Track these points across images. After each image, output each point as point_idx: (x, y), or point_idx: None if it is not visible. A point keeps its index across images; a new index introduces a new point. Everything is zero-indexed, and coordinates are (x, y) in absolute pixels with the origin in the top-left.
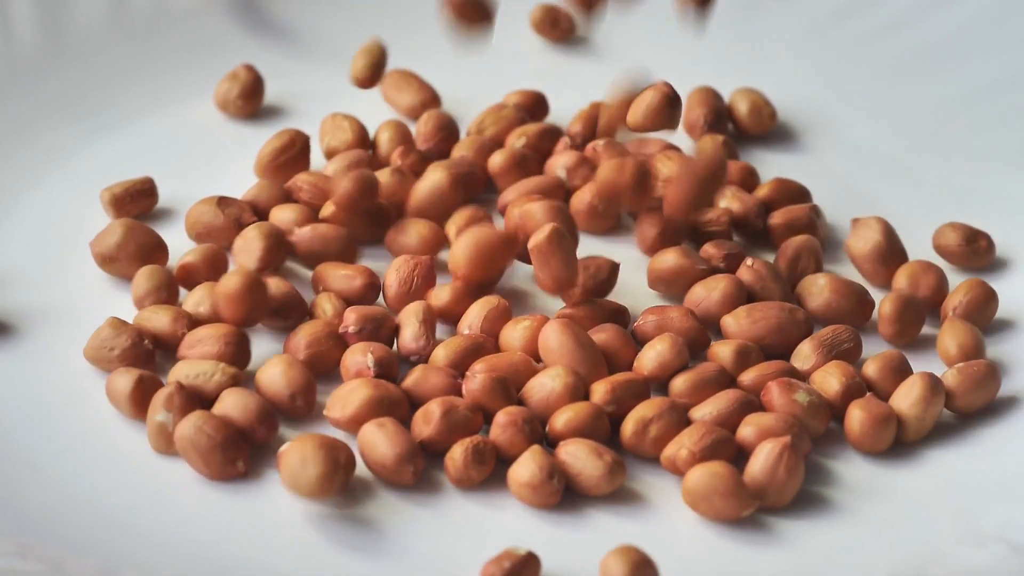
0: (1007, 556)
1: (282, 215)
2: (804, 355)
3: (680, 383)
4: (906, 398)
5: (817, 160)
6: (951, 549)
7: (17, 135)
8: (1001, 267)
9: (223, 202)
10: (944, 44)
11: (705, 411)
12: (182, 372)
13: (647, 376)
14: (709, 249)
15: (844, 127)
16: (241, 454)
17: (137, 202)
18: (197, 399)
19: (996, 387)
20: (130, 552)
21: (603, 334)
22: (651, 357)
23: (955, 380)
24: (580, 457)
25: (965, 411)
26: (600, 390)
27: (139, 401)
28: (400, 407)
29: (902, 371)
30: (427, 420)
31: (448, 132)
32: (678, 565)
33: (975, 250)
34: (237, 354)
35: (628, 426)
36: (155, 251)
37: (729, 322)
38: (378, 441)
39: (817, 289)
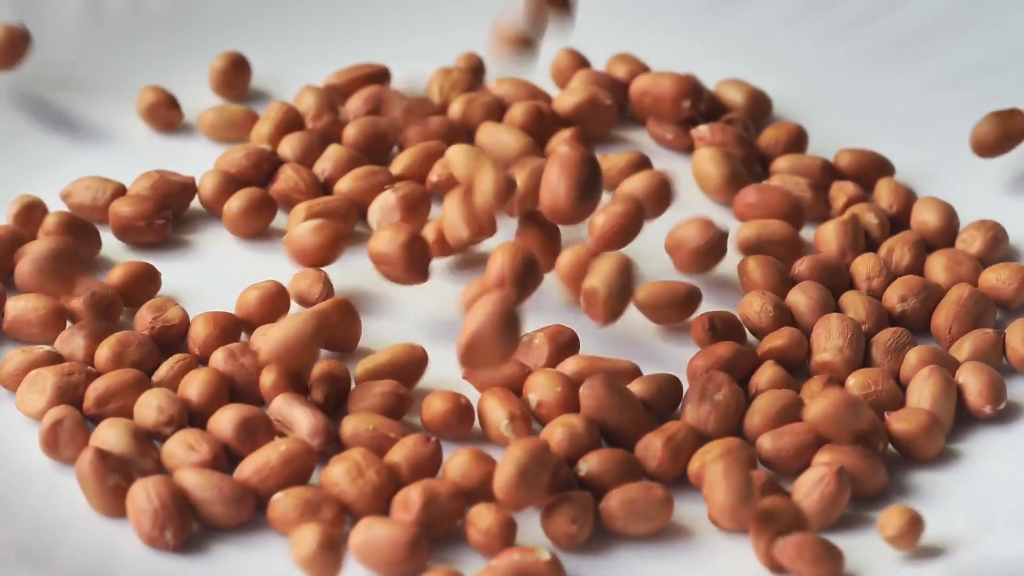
0: None
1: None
2: (874, 363)
3: (756, 421)
4: (921, 394)
5: None
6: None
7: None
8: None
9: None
10: (924, 32)
11: (767, 444)
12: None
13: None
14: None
15: (825, 118)
16: (173, 526)
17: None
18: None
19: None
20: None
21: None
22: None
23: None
24: (636, 501)
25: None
26: (655, 446)
27: (52, 441)
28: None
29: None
30: (407, 509)
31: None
32: None
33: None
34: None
35: (695, 461)
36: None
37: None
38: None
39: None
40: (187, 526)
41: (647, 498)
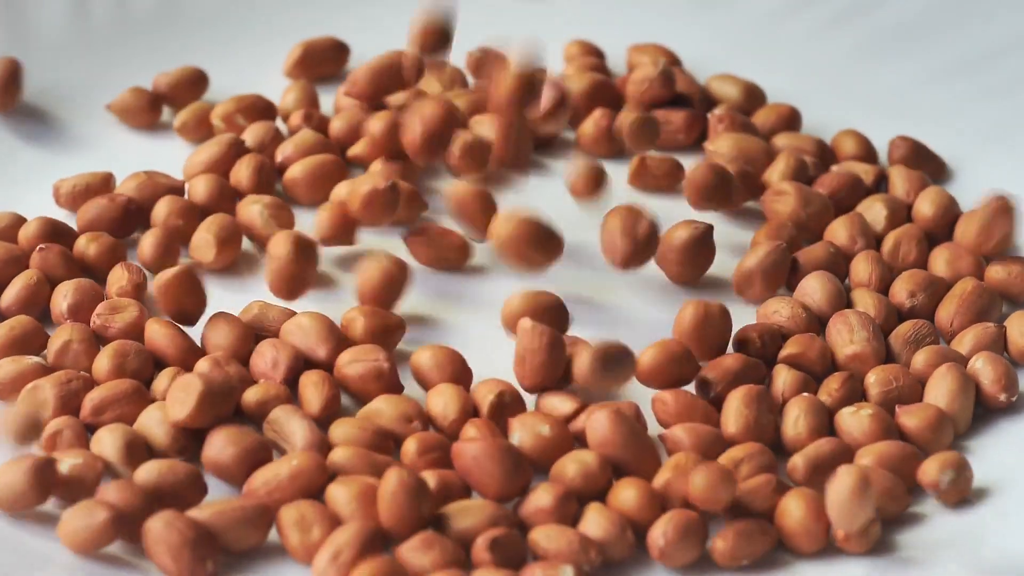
0: None
1: None
2: (895, 354)
3: (793, 433)
4: (939, 391)
5: None
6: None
7: None
8: None
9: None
10: (918, 22)
11: (796, 461)
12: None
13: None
14: None
15: (820, 108)
16: (212, 554)
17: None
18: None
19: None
20: None
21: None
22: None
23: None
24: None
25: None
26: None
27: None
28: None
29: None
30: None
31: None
32: None
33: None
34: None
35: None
36: None
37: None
38: None
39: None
40: (219, 552)
41: (759, 533)
